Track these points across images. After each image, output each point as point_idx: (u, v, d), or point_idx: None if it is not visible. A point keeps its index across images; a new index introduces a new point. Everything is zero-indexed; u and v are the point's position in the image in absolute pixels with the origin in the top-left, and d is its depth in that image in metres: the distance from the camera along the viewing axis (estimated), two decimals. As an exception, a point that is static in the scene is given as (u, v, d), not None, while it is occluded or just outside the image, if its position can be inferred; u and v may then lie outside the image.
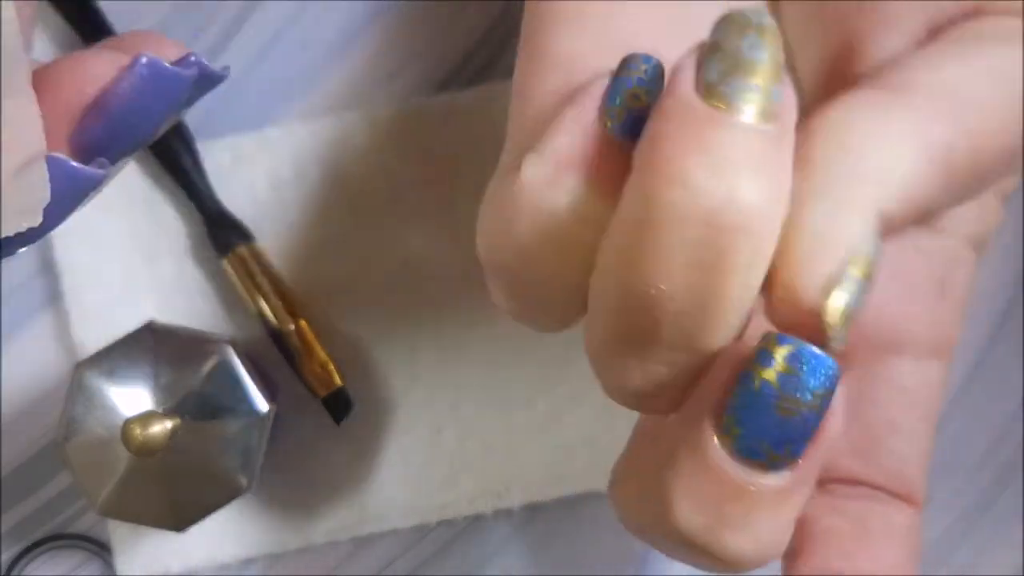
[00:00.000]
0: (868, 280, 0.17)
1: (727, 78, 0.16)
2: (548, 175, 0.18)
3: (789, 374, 0.17)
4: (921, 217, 0.18)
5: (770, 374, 0.17)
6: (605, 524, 0.35)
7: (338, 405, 0.34)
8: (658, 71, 0.19)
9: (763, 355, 0.17)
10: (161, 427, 0.28)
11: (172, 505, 0.29)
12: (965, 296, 0.25)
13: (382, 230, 0.35)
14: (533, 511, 0.35)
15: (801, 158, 0.17)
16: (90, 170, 0.18)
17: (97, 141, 0.19)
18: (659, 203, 0.16)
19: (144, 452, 0.28)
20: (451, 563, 0.35)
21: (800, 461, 0.17)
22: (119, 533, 0.34)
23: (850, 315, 0.17)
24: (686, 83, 0.17)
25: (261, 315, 0.34)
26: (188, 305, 0.34)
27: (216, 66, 0.22)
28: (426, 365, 0.35)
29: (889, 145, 0.17)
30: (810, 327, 0.17)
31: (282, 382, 0.34)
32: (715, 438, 0.17)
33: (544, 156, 0.18)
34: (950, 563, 0.35)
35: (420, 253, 0.35)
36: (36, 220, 0.18)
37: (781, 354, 0.17)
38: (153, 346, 0.29)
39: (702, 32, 0.22)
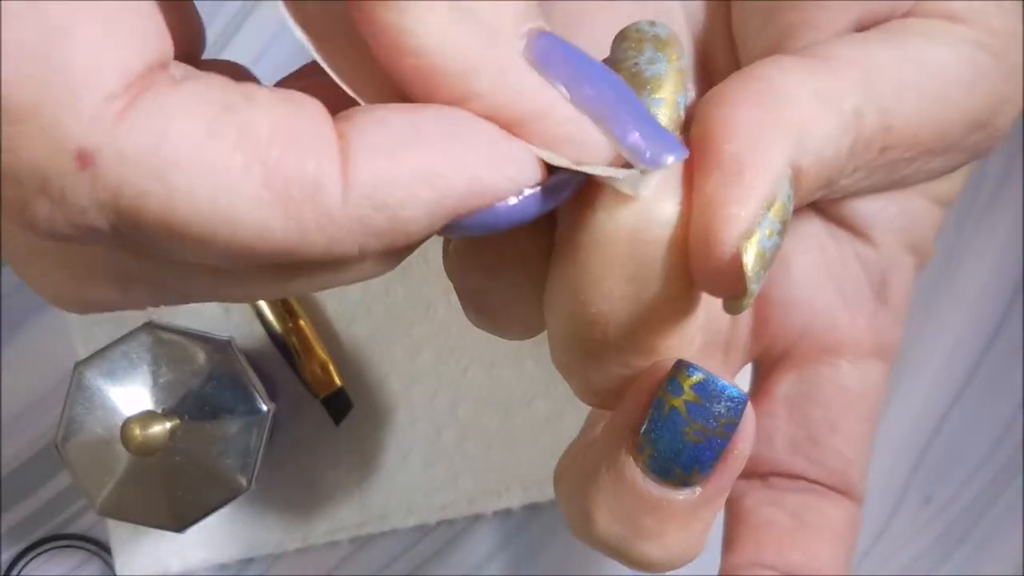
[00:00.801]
0: (783, 226, 0.17)
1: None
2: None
3: (696, 403, 0.17)
4: (825, 185, 0.19)
5: (678, 402, 0.18)
6: (605, 524, 0.35)
7: (338, 405, 0.34)
8: None
9: (673, 384, 0.18)
10: (161, 427, 0.28)
11: (172, 505, 0.29)
12: (905, 300, 0.25)
13: (382, 230, 0.35)
14: (533, 511, 0.35)
15: (719, 105, 0.17)
16: None
17: None
18: (585, 227, 0.17)
19: (144, 452, 0.28)
20: (451, 563, 0.35)
21: (710, 479, 0.18)
22: (119, 533, 0.34)
23: (768, 259, 0.17)
24: None
25: (261, 315, 0.34)
26: (188, 305, 0.34)
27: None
28: (426, 365, 0.35)
29: (805, 102, 0.18)
30: (728, 272, 0.17)
31: (282, 382, 0.34)
32: (631, 457, 0.18)
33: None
34: (950, 563, 0.35)
35: (419, 253, 0.35)
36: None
37: (689, 383, 0.17)
38: (153, 346, 0.29)
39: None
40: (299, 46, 0.36)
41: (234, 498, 0.29)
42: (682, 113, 0.17)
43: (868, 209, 0.23)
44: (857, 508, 0.25)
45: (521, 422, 0.35)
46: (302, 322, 0.34)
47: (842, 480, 0.24)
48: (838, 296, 0.24)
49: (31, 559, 0.34)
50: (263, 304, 0.33)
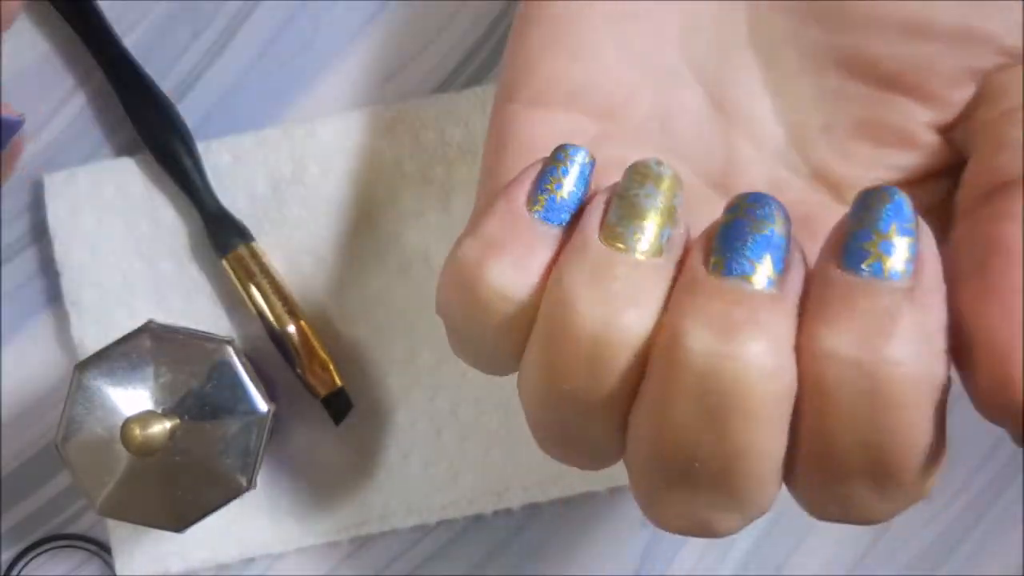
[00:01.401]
0: None
1: (623, 220, 0.20)
2: (477, 257, 0.21)
3: (751, 204, 0.20)
4: None
5: (738, 211, 0.20)
6: (605, 524, 0.35)
7: (338, 405, 0.34)
8: (585, 165, 0.21)
9: (732, 205, 0.20)
10: (160, 427, 0.28)
11: (172, 505, 0.29)
12: None
13: (382, 230, 0.35)
14: (533, 511, 0.35)
15: (993, 246, 0.20)
16: None
17: None
18: (553, 321, 0.20)
19: (144, 452, 0.28)
20: (451, 563, 0.35)
21: (784, 275, 0.19)
22: (119, 533, 0.34)
23: None
24: (592, 222, 0.20)
25: (261, 315, 0.34)
26: (188, 305, 0.34)
27: (11, 114, 0.25)
28: (426, 365, 0.35)
29: None
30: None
31: (282, 382, 0.34)
32: (705, 268, 0.19)
33: (475, 239, 0.21)
34: (950, 563, 0.35)
35: (419, 253, 0.35)
36: None
37: (742, 197, 0.20)
38: (153, 346, 0.29)
39: (665, 75, 0.25)
40: (301, 45, 0.36)
41: (234, 498, 0.29)
42: (663, 242, 0.20)
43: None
44: None
45: (521, 422, 0.34)
46: (302, 322, 0.34)
47: None
48: None
49: (31, 559, 0.34)
50: (263, 304, 0.33)
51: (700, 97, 0.26)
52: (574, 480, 0.34)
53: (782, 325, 0.19)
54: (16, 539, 0.35)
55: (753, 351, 0.18)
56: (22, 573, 0.34)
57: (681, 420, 0.19)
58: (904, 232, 0.19)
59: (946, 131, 0.24)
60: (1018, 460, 0.35)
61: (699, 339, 0.19)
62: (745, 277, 0.19)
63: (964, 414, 0.35)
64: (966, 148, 0.23)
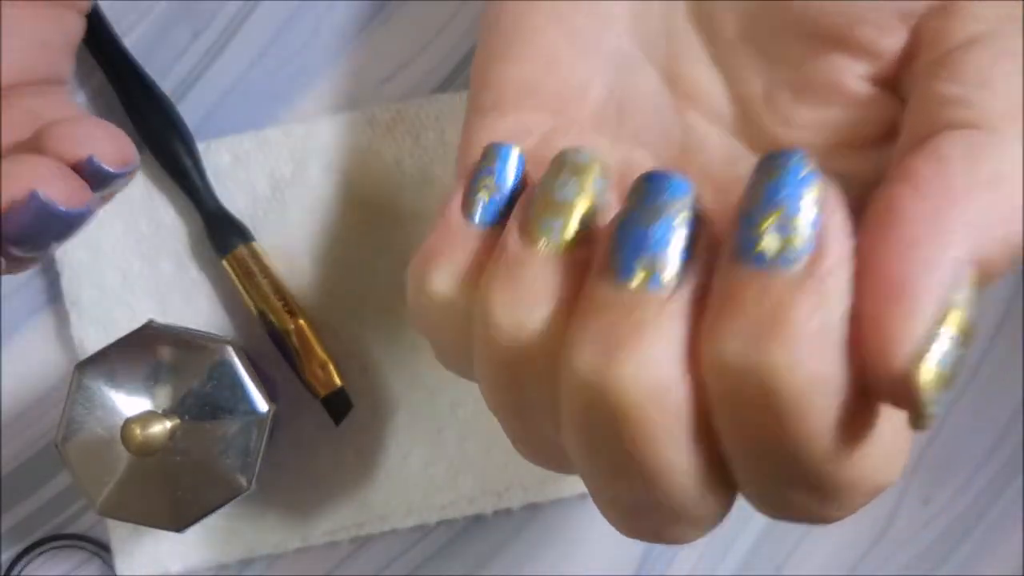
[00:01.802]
0: (966, 336, 0.16)
1: (539, 214, 0.19)
2: (419, 270, 0.21)
3: (647, 192, 0.18)
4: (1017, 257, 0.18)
5: (632, 201, 0.19)
6: (605, 524, 0.35)
7: (338, 405, 0.34)
8: (513, 160, 0.21)
9: (630, 193, 0.19)
10: (161, 427, 0.28)
11: (172, 505, 0.29)
12: None
13: (382, 230, 0.35)
14: (533, 511, 0.35)
15: (881, 219, 0.17)
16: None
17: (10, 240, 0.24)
18: (478, 327, 0.19)
19: (144, 452, 0.28)
20: (451, 563, 0.35)
21: (684, 269, 0.18)
22: (119, 533, 0.34)
23: (950, 376, 0.16)
24: (513, 221, 0.20)
25: (261, 315, 0.34)
26: (188, 305, 0.34)
27: (116, 167, 0.27)
28: (426, 365, 0.35)
29: (983, 190, 0.17)
30: (904, 393, 0.16)
31: (282, 382, 0.34)
32: (598, 274, 0.18)
33: (418, 254, 0.21)
34: (950, 563, 0.35)
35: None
36: None
37: (640, 184, 0.19)
38: (153, 346, 0.29)
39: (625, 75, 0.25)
40: (301, 46, 0.36)
41: (234, 498, 0.29)
42: (580, 233, 0.19)
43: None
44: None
45: (521, 422, 0.35)
46: (302, 322, 0.34)
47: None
48: None
49: (31, 559, 0.34)
50: (263, 304, 0.33)
51: (655, 78, 0.25)
52: (574, 480, 0.34)
53: (670, 333, 0.17)
54: (16, 539, 0.35)
55: (633, 369, 0.17)
56: (22, 573, 0.34)
57: (588, 446, 0.18)
58: (795, 209, 0.17)
59: (889, 85, 0.23)
60: (1018, 460, 0.35)
61: (583, 358, 0.18)
62: (632, 281, 0.18)
63: (964, 415, 0.35)
64: None
